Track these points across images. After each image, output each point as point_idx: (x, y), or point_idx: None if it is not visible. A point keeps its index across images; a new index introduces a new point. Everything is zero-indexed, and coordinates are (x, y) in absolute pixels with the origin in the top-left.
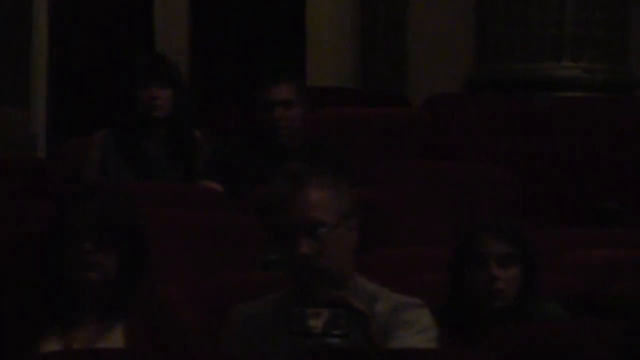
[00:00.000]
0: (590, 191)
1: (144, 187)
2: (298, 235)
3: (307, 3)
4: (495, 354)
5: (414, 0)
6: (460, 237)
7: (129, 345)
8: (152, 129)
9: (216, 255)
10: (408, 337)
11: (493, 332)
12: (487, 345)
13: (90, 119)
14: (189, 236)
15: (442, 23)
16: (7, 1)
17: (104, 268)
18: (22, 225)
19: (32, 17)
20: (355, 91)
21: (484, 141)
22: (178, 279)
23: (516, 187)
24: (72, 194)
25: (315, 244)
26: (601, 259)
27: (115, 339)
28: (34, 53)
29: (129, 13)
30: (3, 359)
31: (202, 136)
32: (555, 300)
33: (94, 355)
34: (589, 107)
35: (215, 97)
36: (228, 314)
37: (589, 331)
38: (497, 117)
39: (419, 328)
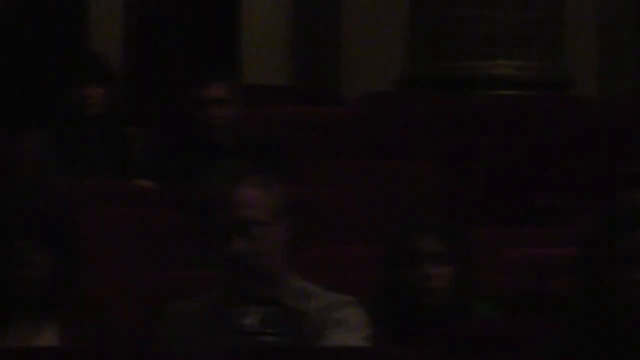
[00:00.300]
0: (524, 189)
1: (77, 185)
2: (231, 234)
3: (242, 1)
4: (430, 351)
5: None
6: (392, 234)
7: (63, 343)
8: (85, 128)
9: (150, 253)
10: (341, 335)
11: (427, 330)
12: (421, 342)
13: (23, 117)
14: (123, 234)
15: (376, 21)
16: None
17: (38, 266)
18: None
19: None
20: (289, 89)
21: (418, 139)
22: (112, 276)
23: (450, 185)
24: (5, 193)
25: (248, 243)
26: (536, 257)
27: (50, 337)
28: None
29: (63, 10)
30: None
31: (136, 134)
32: (491, 299)
33: (27, 352)
34: (523, 106)
35: (149, 94)
36: (162, 312)
37: (524, 330)
38: (430, 115)
39: (352, 326)
